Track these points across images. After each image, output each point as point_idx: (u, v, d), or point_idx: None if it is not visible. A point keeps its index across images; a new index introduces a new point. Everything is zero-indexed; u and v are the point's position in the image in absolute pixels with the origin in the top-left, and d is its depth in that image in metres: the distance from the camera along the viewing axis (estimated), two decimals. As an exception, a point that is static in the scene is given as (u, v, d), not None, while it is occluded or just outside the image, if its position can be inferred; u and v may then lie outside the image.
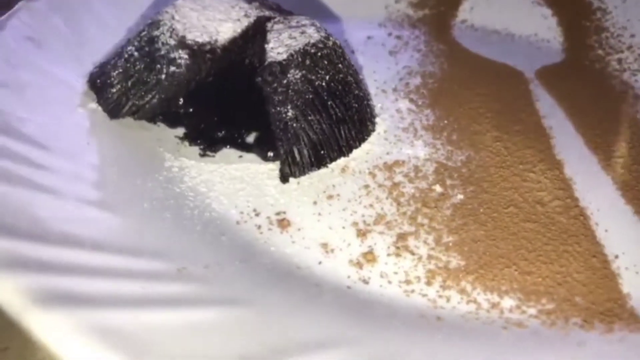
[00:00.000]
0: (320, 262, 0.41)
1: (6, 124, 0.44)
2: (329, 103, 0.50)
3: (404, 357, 0.34)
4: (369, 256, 0.42)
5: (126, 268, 0.35)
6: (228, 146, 0.51)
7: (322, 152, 0.49)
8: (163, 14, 0.51)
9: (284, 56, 0.49)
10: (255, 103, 0.51)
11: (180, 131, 0.52)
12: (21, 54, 0.51)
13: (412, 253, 0.43)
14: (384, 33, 0.71)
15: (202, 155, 0.50)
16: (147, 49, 0.49)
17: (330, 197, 0.47)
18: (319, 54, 0.50)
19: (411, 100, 0.59)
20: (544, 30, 0.73)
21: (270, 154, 0.51)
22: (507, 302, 0.40)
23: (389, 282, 0.41)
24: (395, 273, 0.41)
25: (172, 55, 0.49)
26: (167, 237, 0.39)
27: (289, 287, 0.38)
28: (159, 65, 0.49)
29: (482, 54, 0.69)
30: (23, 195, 0.39)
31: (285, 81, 0.48)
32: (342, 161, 0.51)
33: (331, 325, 0.36)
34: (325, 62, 0.51)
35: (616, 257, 0.43)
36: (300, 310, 0.36)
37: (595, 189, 0.50)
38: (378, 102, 0.59)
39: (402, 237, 0.44)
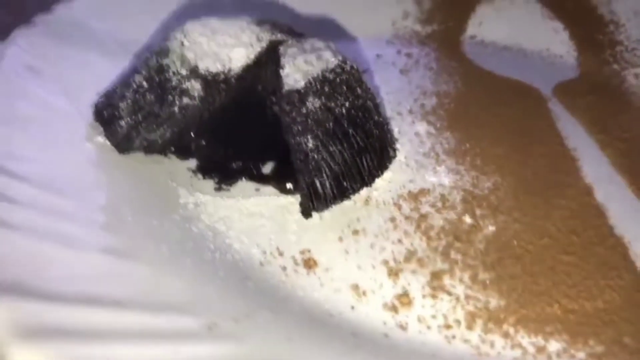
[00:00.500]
0: (353, 307, 0.39)
1: (8, 164, 0.41)
2: (350, 131, 0.47)
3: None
4: (404, 299, 0.40)
5: (150, 328, 0.32)
6: (244, 178, 0.49)
7: (344, 183, 0.47)
8: (172, 40, 0.48)
9: (302, 84, 0.46)
10: (269, 131, 0.49)
11: (193, 163, 0.50)
12: (21, 85, 0.48)
13: (449, 293, 0.40)
14: (393, 51, 0.69)
15: (218, 189, 0.48)
16: (157, 79, 0.47)
17: (356, 232, 0.45)
18: (338, 79, 0.48)
19: (429, 123, 0.57)
20: (557, 44, 0.71)
21: (289, 185, 0.48)
22: (554, 346, 0.37)
23: (428, 327, 0.38)
24: (434, 317, 0.39)
25: (184, 86, 0.46)
26: (190, 287, 0.36)
27: (325, 339, 0.35)
28: (170, 97, 0.46)
29: (496, 71, 0.67)
30: (28, 246, 0.36)
31: (304, 110, 0.46)
32: (364, 192, 0.48)
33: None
34: (344, 88, 0.48)
35: (660, 290, 0.41)
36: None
37: (629, 216, 0.48)
38: (395, 126, 0.56)
39: (436, 275, 0.42)
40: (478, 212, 0.47)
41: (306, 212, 0.46)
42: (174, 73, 0.47)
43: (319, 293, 0.40)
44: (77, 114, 0.49)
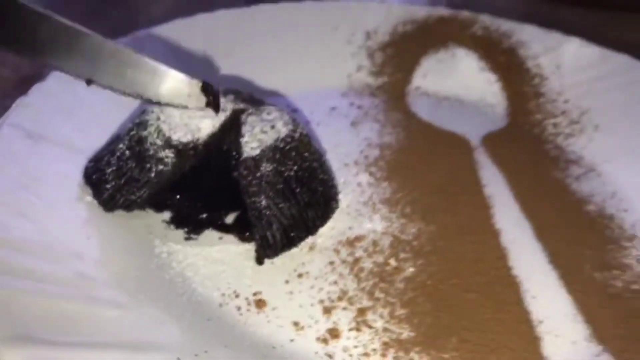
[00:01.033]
0: (292, 340, 0.49)
1: (8, 236, 0.50)
2: (297, 190, 0.58)
3: None
4: (334, 332, 0.50)
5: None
6: (210, 228, 0.59)
7: (292, 234, 0.57)
8: (149, 113, 0.58)
9: (257, 152, 0.56)
10: (232, 187, 0.59)
11: (167, 215, 0.59)
12: (24, 154, 0.57)
13: (370, 327, 0.50)
14: (346, 103, 0.79)
15: (187, 238, 0.58)
16: (137, 148, 0.56)
17: (300, 275, 0.55)
18: (287, 147, 0.58)
19: (370, 174, 0.67)
20: (490, 95, 0.82)
21: (247, 234, 0.58)
22: (449, 370, 0.48)
23: (350, 355, 0.48)
24: (356, 347, 0.49)
25: (159, 155, 0.56)
26: (160, 327, 0.46)
27: (268, 368, 0.45)
28: (148, 165, 0.56)
29: (434, 122, 0.77)
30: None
31: (258, 174, 0.56)
32: (310, 239, 0.58)
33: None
34: (293, 154, 0.58)
35: (540, 322, 0.52)
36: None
37: (526, 257, 0.58)
38: (341, 177, 0.66)
39: (361, 312, 0.52)
40: (402, 255, 0.57)
41: (259, 260, 0.56)
42: (151, 144, 0.56)
43: (266, 329, 0.50)
44: (70, 174, 0.59)
